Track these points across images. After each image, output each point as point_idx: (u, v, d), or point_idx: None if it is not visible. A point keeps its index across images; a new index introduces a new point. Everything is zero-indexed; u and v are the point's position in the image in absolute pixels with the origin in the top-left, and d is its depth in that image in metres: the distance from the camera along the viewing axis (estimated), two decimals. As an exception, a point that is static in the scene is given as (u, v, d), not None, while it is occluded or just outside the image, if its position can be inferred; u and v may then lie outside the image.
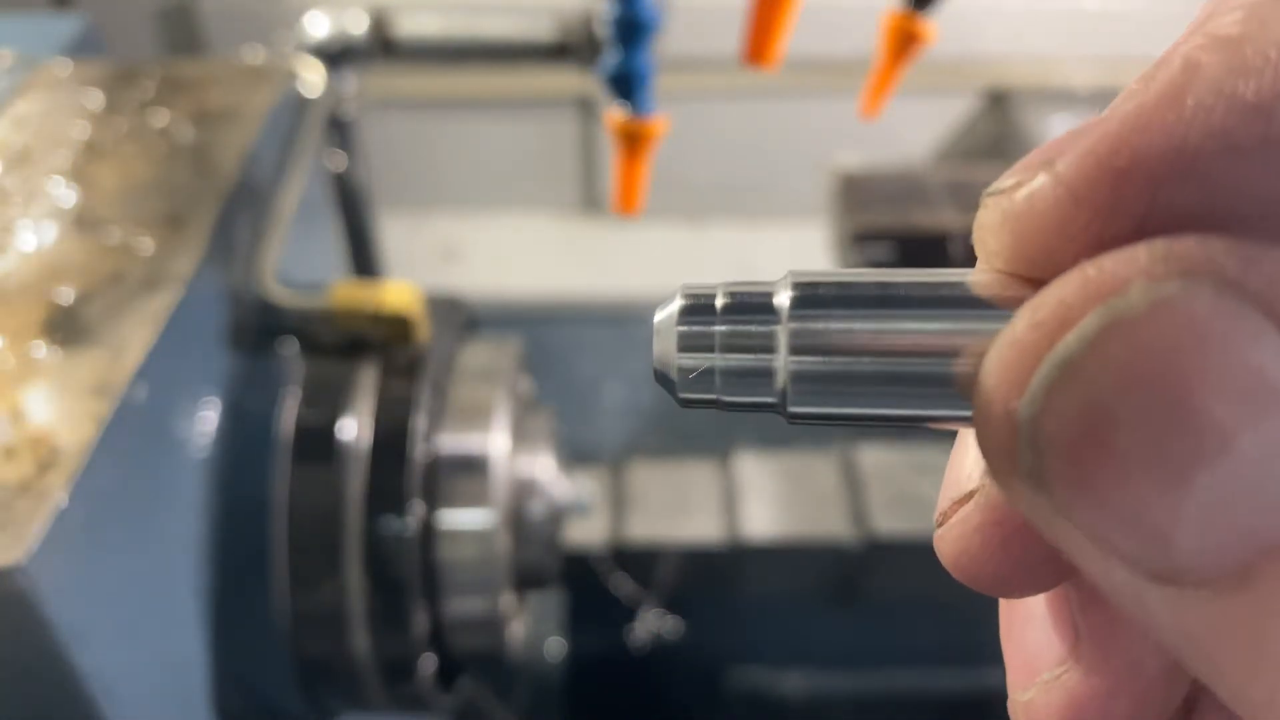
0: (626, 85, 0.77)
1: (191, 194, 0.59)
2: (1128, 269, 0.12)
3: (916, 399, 0.14)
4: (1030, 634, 0.17)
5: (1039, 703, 0.17)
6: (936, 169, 1.45)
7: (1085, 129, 0.13)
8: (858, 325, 0.14)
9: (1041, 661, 0.17)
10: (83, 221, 0.57)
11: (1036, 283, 0.13)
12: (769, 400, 0.15)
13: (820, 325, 0.14)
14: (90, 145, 0.63)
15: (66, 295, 0.52)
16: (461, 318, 0.74)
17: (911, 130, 1.59)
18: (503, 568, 0.65)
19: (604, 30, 0.77)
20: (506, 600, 0.67)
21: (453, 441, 0.66)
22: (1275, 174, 0.12)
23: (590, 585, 1.20)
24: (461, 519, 0.65)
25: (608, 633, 1.25)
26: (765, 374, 0.15)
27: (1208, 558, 0.11)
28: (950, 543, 0.16)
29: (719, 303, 0.15)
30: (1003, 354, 0.12)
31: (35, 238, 0.55)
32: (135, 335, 0.50)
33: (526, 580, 0.71)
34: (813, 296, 0.15)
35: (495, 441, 0.66)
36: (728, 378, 0.15)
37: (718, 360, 0.15)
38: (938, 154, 1.65)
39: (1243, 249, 0.11)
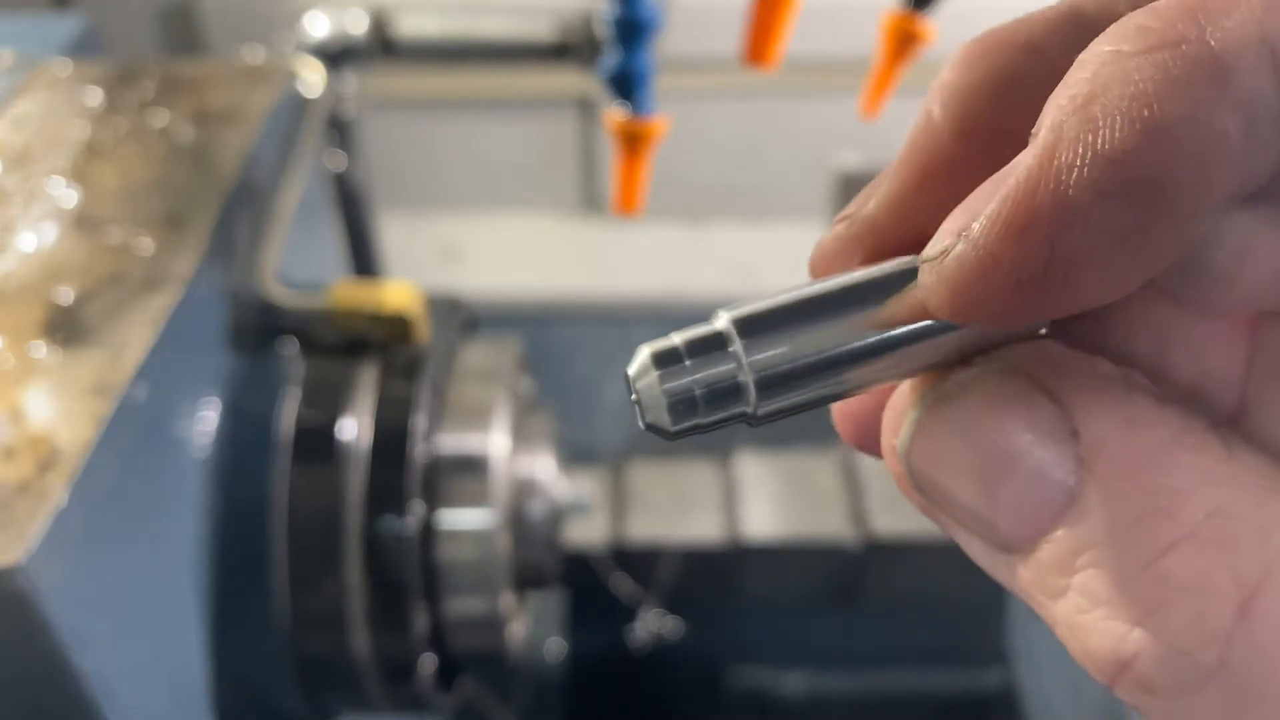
0: (626, 85, 0.77)
1: (191, 194, 0.59)
2: (950, 360, 0.19)
3: (843, 374, 0.19)
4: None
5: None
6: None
7: (989, 193, 0.17)
8: (789, 331, 0.19)
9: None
10: (83, 221, 0.57)
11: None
12: (745, 410, 0.19)
13: (764, 337, 0.19)
14: (90, 145, 0.63)
15: (66, 295, 0.52)
16: (461, 318, 0.74)
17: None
18: (503, 568, 0.65)
19: (604, 30, 0.77)
20: (506, 600, 0.67)
21: (453, 441, 0.66)
22: (1140, 212, 0.15)
23: (590, 585, 1.20)
24: (461, 519, 0.65)
25: (608, 633, 1.25)
26: (736, 388, 0.19)
27: (1013, 535, 0.17)
28: (835, 410, 0.23)
29: (680, 344, 0.19)
30: (887, 410, 0.20)
31: (35, 238, 0.55)
32: (135, 335, 0.50)
33: (526, 580, 0.71)
34: (748, 318, 0.19)
35: (495, 441, 0.66)
36: (709, 401, 0.19)
37: (696, 388, 0.19)
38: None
39: (1024, 343, 0.18)
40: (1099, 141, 0.15)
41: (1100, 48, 0.15)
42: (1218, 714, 0.15)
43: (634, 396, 0.19)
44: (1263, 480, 0.15)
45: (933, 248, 0.18)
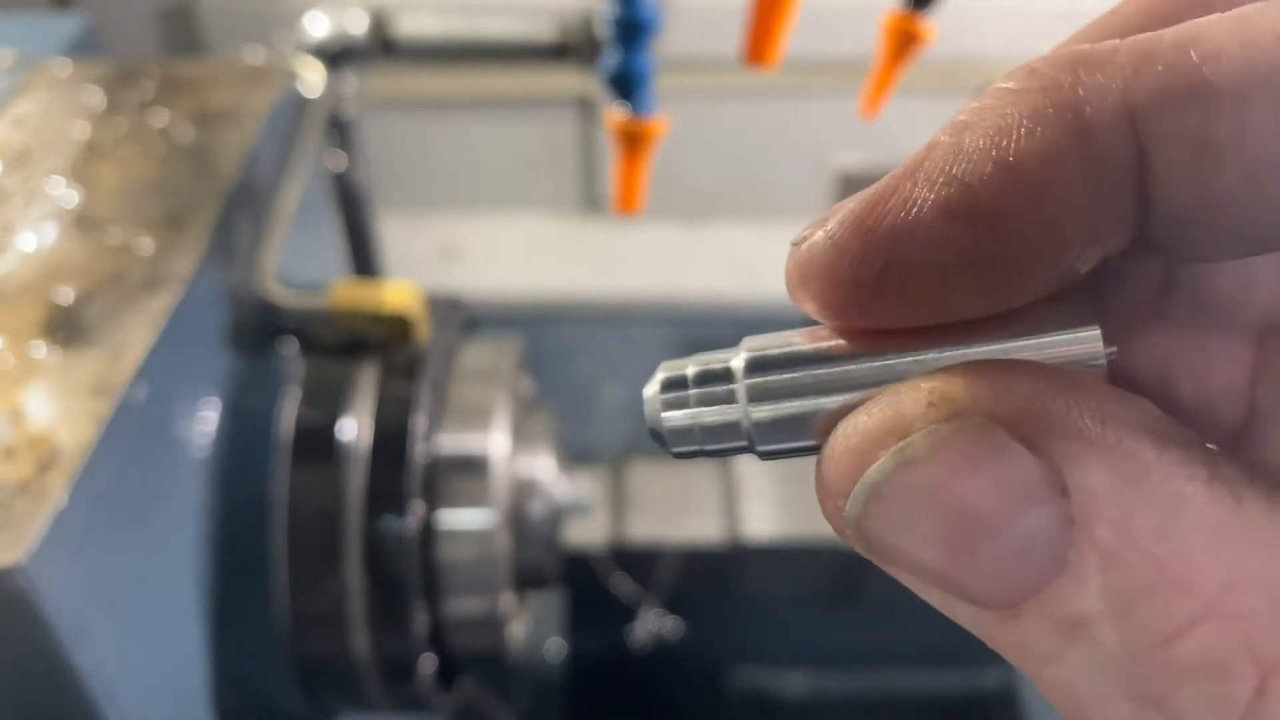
0: (626, 85, 0.77)
1: (191, 194, 0.59)
2: (914, 410, 0.16)
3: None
4: None
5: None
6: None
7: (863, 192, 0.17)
8: (797, 378, 0.18)
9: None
10: (83, 222, 0.57)
11: (844, 329, 0.18)
12: (742, 444, 0.19)
13: (769, 381, 0.18)
14: (90, 145, 0.63)
15: (66, 295, 0.52)
16: (461, 318, 0.74)
17: (911, 130, 1.58)
18: (503, 568, 0.65)
19: (604, 30, 0.77)
20: (506, 600, 0.67)
21: (453, 441, 0.66)
22: (979, 238, 0.16)
23: (590, 585, 1.20)
24: (461, 519, 0.65)
25: (608, 633, 1.25)
26: (734, 425, 0.19)
27: (992, 598, 0.15)
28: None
29: (690, 374, 0.19)
30: (827, 467, 0.17)
31: (35, 238, 0.55)
32: (135, 335, 0.49)
33: (526, 580, 0.71)
34: (760, 359, 0.19)
35: (495, 441, 0.66)
36: (706, 431, 0.19)
37: (695, 418, 0.19)
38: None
39: (995, 384, 0.16)
40: (956, 164, 0.16)
41: (998, 82, 0.16)
42: None
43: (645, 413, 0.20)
44: (1274, 534, 0.14)
45: (801, 232, 0.18)
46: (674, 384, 0.20)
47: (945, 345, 0.17)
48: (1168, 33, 0.15)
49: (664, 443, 0.20)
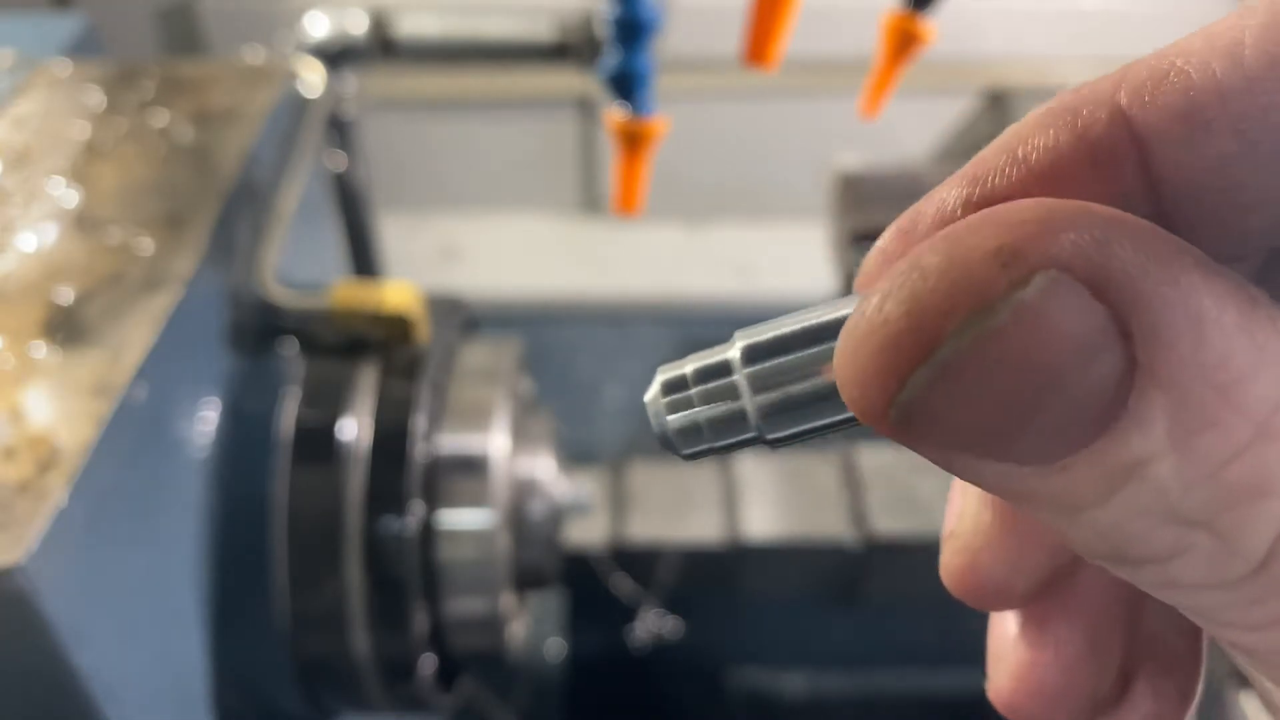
0: (626, 85, 0.77)
1: (191, 194, 0.59)
2: (987, 273, 0.15)
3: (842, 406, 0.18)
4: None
5: (995, 680, 0.23)
6: (936, 169, 1.45)
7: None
8: (793, 359, 0.18)
9: (1000, 648, 0.24)
10: (83, 222, 0.57)
11: None
12: (750, 435, 0.19)
13: (767, 367, 0.19)
14: (90, 145, 0.63)
15: (66, 295, 0.52)
16: (461, 318, 0.74)
17: (911, 130, 1.59)
18: (503, 568, 0.65)
19: (604, 30, 0.77)
20: (506, 600, 0.67)
21: (453, 441, 0.66)
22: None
23: (590, 585, 1.20)
24: (461, 519, 0.65)
25: (608, 633, 1.25)
26: (740, 416, 0.19)
27: (1042, 455, 0.15)
28: (945, 572, 0.23)
29: (689, 373, 0.20)
30: (869, 344, 0.16)
31: (35, 238, 0.55)
32: (135, 335, 0.50)
33: (526, 580, 0.71)
34: (755, 347, 0.19)
35: (495, 441, 0.66)
36: (713, 427, 0.19)
37: (700, 416, 0.19)
38: (938, 154, 1.65)
39: (1060, 230, 0.15)
40: (976, 167, 0.18)
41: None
42: (1248, 605, 0.15)
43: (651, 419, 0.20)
44: None
45: (884, 281, 0.16)
46: (674, 385, 0.20)
47: None
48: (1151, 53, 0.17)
49: (673, 447, 0.20)
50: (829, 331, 0.18)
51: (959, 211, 0.18)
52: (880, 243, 0.19)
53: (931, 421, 0.16)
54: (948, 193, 0.18)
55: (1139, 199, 0.17)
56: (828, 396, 0.18)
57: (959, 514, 0.23)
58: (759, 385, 0.19)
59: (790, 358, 0.18)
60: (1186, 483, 0.15)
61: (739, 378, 0.19)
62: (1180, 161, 0.17)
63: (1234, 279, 0.15)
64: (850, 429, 0.19)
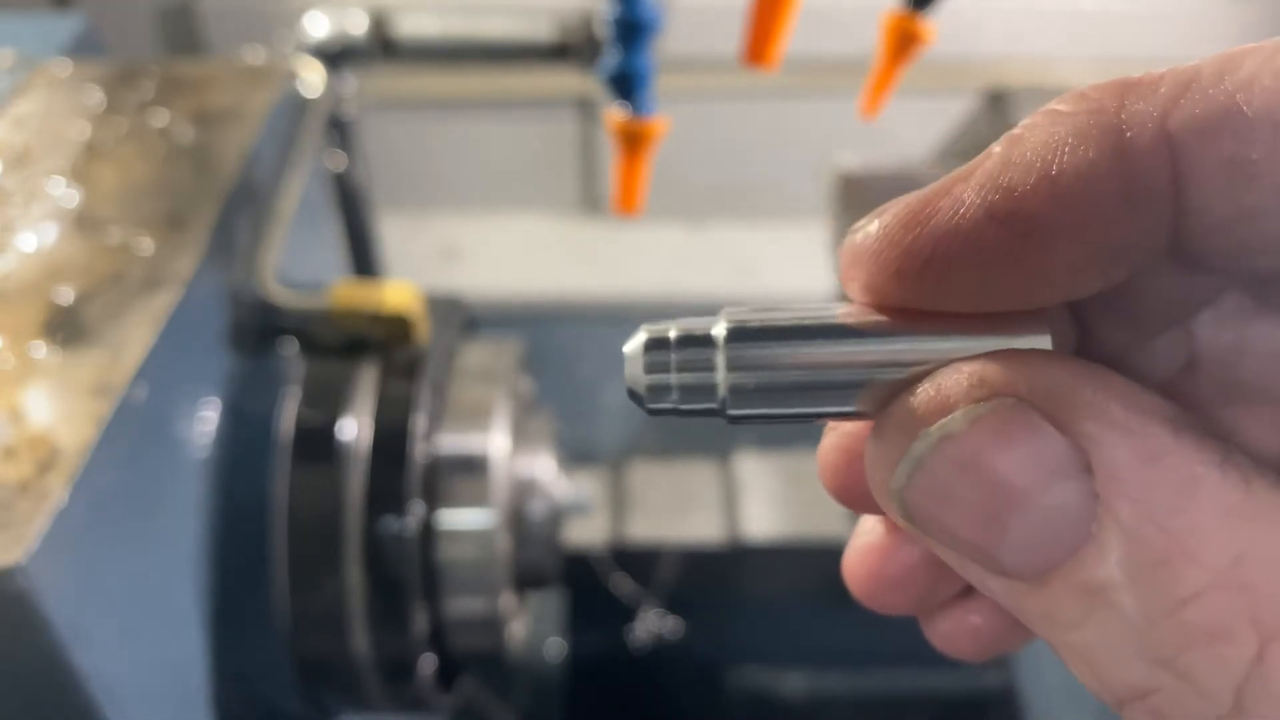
0: (626, 85, 0.77)
1: (191, 194, 0.59)
2: (954, 391, 0.18)
3: (814, 400, 0.20)
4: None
5: (849, 550, 0.25)
6: (936, 169, 1.45)
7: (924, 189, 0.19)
8: (772, 350, 0.19)
9: (863, 525, 0.25)
10: (83, 221, 0.57)
11: (879, 308, 0.19)
12: (713, 407, 0.20)
13: (746, 351, 0.20)
14: (90, 145, 0.63)
15: (66, 295, 0.52)
16: (461, 318, 0.74)
17: (911, 130, 1.58)
18: (503, 568, 0.65)
19: (604, 30, 0.77)
20: (506, 600, 0.67)
21: (453, 441, 0.66)
22: (1015, 240, 0.17)
23: (590, 585, 1.20)
24: (461, 519, 0.65)
25: (608, 633, 1.25)
26: (709, 387, 0.20)
27: (1021, 568, 0.17)
28: (819, 456, 0.24)
29: (673, 336, 0.20)
30: (876, 446, 0.19)
31: (35, 238, 0.55)
32: (135, 335, 0.50)
33: (526, 580, 0.71)
34: (740, 330, 0.20)
35: (495, 441, 0.66)
36: (683, 391, 0.20)
37: (673, 378, 0.20)
38: (938, 154, 1.65)
39: (1029, 371, 0.17)
40: (1004, 174, 0.17)
41: (1050, 104, 0.18)
42: None
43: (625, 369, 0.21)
44: (1278, 514, 0.16)
45: (859, 223, 0.19)
46: (656, 344, 0.21)
47: (914, 335, 0.19)
48: (1206, 63, 0.17)
49: (640, 400, 0.21)
50: (813, 332, 0.19)
51: (981, 219, 0.18)
52: (882, 224, 0.19)
53: (925, 517, 0.18)
54: (967, 192, 0.18)
55: (1160, 233, 0.17)
56: (795, 391, 0.19)
57: None
58: (735, 365, 0.20)
59: (770, 348, 0.19)
60: (1147, 617, 0.16)
61: (718, 353, 0.20)
62: (1213, 208, 0.17)
63: (1209, 438, 0.16)
64: (805, 424, 0.21)
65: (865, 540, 0.24)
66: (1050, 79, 1.53)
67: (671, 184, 1.44)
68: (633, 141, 0.79)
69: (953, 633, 0.24)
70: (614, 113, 0.79)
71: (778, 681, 1.36)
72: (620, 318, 1.50)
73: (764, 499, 1.25)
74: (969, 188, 0.18)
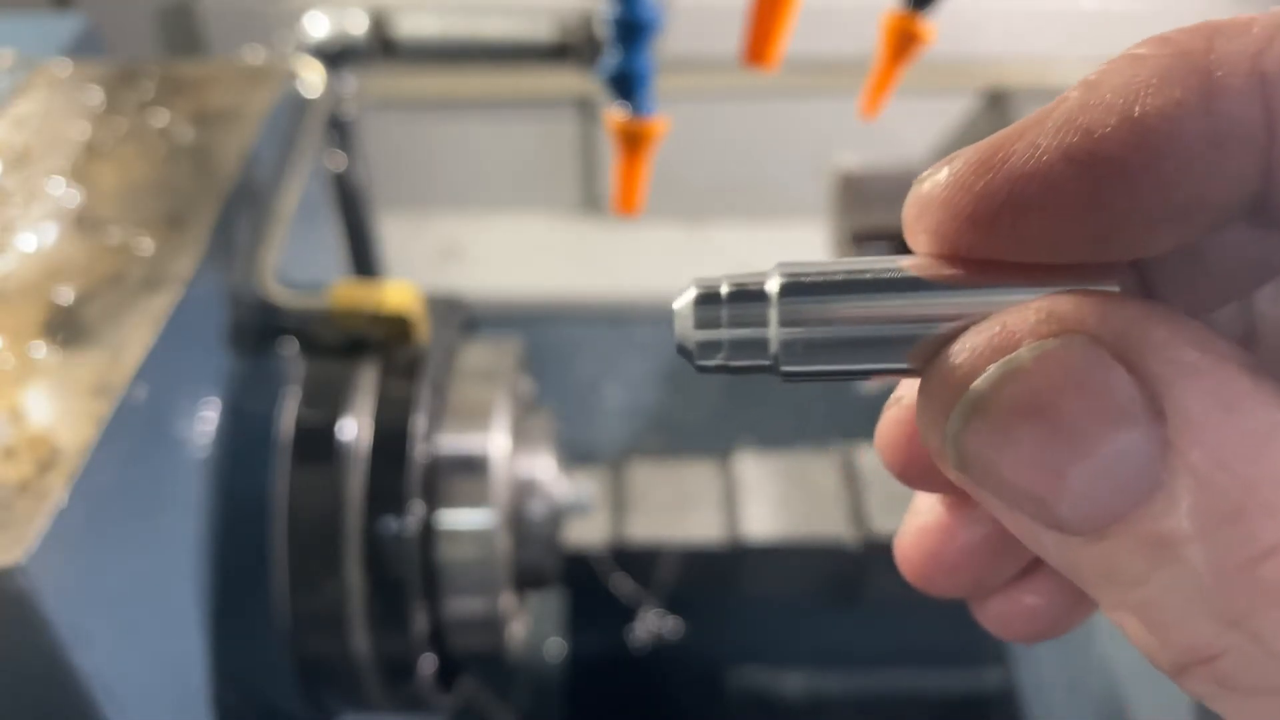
0: (626, 85, 0.77)
1: (191, 194, 0.59)
2: (1020, 326, 0.17)
3: (873, 357, 0.19)
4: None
5: (903, 532, 0.24)
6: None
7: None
8: (829, 304, 0.19)
9: (920, 505, 0.24)
10: (83, 222, 0.57)
11: (946, 259, 0.19)
12: (766, 363, 0.20)
13: (801, 304, 0.19)
14: (90, 145, 0.63)
15: (66, 295, 0.52)
16: (461, 318, 0.74)
17: (911, 130, 1.58)
18: (503, 568, 0.65)
19: (604, 30, 0.77)
20: (506, 600, 0.67)
21: (453, 441, 0.66)
22: (1094, 185, 0.16)
23: (590, 585, 1.20)
24: (461, 519, 0.65)
25: (608, 633, 1.24)
26: (762, 343, 0.19)
27: (1081, 521, 0.16)
28: (878, 434, 0.23)
29: (724, 290, 0.20)
30: (933, 385, 0.18)
31: (35, 238, 0.55)
32: (135, 335, 0.50)
33: (526, 580, 0.71)
34: (796, 284, 0.19)
35: (495, 442, 0.66)
36: (734, 346, 0.20)
37: (725, 334, 0.20)
38: (938, 154, 1.65)
39: (1101, 309, 0.16)
40: (1083, 114, 0.16)
41: (1131, 48, 0.17)
42: None
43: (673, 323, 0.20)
44: None
45: (930, 169, 0.18)
46: (707, 299, 0.20)
47: (982, 286, 0.18)
48: None
49: (690, 356, 0.20)
50: (873, 285, 0.19)
51: (1057, 161, 0.17)
52: (954, 170, 0.18)
53: (981, 464, 0.17)
54: (1043, 135, 0.17)
55: (1244, 184, 0.16)
56: (852, 347, 0.19)
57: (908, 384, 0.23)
58: (788, 319, 0.19)
59: (827, 303, 0.19)
60: (1218, 573, 0.15)
61: (772, 308, 0.19)
62: None
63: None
64: (859, 379, 0.20)
65: (922, 521, 0.23)
66: (1050, 79, 1.53)
67: (671, 184, 1.44)
68: (633, 141, 0.79)
69: (1006, 614, 0.23)
70: (614, 113, 0.79)
71: (778, 681, 1.36)
72: (620, 318, 1.50)
73: (764, 499, 1.25)
74: (1045, 130, 0.17)
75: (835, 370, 0.19)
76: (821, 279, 0.19)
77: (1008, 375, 0.16)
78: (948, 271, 0.18)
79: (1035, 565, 0.23)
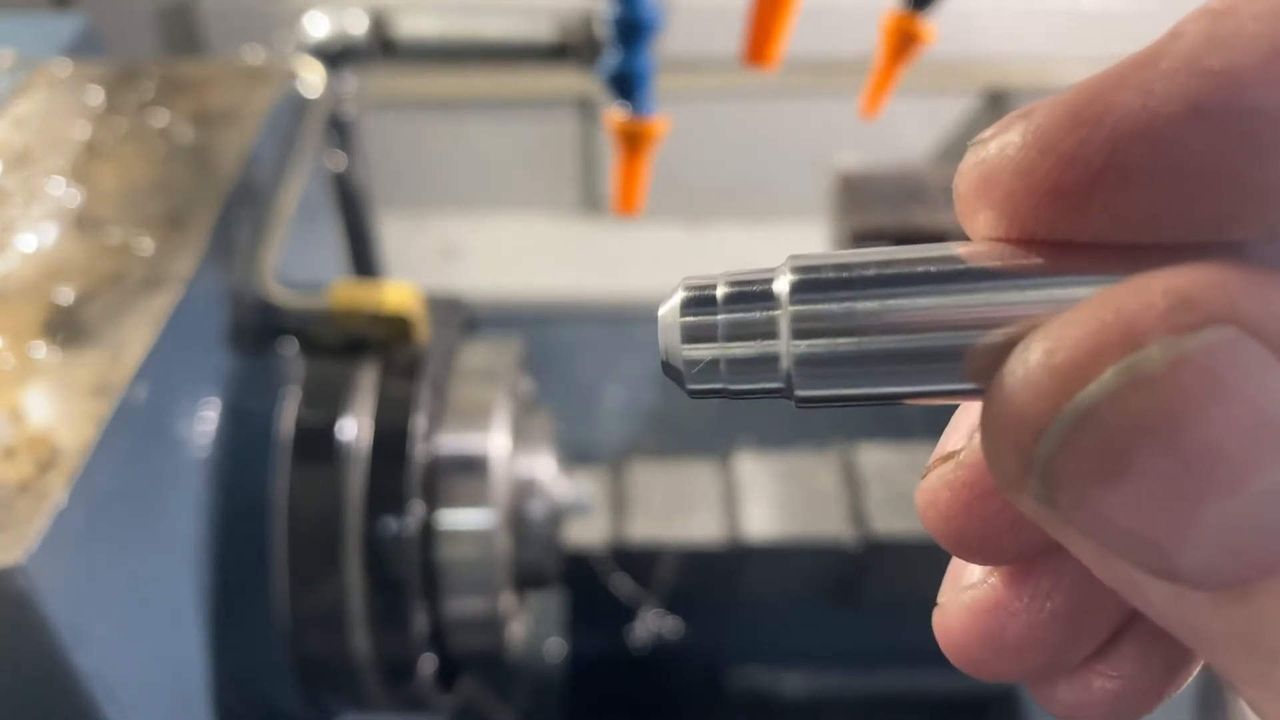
0: (626, 85, 0.77)
1: (191, 194, 0.59)
2: (1145, 316, 0.12)
3: (919, 376, 0.14)
4: None
5: (949, 608, 0.18)
6: (936, 169, 1.45)
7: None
8: (858, 306, 0.14)
9: (968, 574, 0.18)
10: (83, 222, 0.57)
11: (1015, 243, 0.14)
12: (776, 386, 0.15)
13: (821, 308, 0.14)
14: (90, 145, 0.63)
15: (66, 295, 0.52)
16: (461, 318, 0.74)
17: (911, 130, 1.59)
18: (503, 568, 0.65)
19: (604, 30, 0.77)
20: (506, 600, 0.67)
21: (453, 441, 0.66)
22: (1230, 143, 0.12)
23: (590, 585, 1.20)
24: (461, 519, 0.65)
25: (608, 633, 1.25)
26: (770, 360, 0.15)
27: (1211, 573, 0.12)
28: (923, 493, 0.17)
29: (720, 293, 0.16)
30: (1019, 393, 0.13)
31: (35, 238, 0.55)
32: (135, 335, 0.50)
33: (526, 580, 0.71)
34: (813, 280, 0.15)
35: (495, 441, 0.66)
36: (733, 366, 0.15)
37: (721, 350, 0.15)
38: (938, 154, 1.65)
39: (1252, 291, 0.12)
40: (1214, 53, 0.12)
41: None
42: None
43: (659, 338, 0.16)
44: None
45: (992, 128, 0.14)
46: (698, 303, 0.16)
47: (1069, 276, 0.13)
48: None
49: (678, 378, 0.16)
50: (917, 278, 0.14)
51: (1180, 114, 0.12)
52: (1031, 128, 0.14)
53: (1078, 497, 0.12)
54: (1156, 80, 0.12)
55: None
56: (890, 362, 0.14)
57: (964, 432, 0.17)
58: (804, 328, 0.14)
59: (854, 304, 0.14)
60: None
61: (781, 313, 0.15)
62: None
63: None
64: (895, 404, 0.15)
65: (973, 596, 0.18)
66: (1050, 79, 1.53)
67: (671, 184, 1.44)
68: (633, 141, 0.79)
69: (1081, 703, 0.18)
70: (614, 113, 0.79)
71: (778, 681, 1.36)
72: (620, 318, 1.50)
73: (764, 499, 1.25)
74: (1158, 74, 0.12)
75: (866, 395, 0.15)
76: (846, 274, 0.14)
77: (1133, 382, 0.12)
78: (1024, 261, 0.14)
79: (1114, 639, 0.18)
